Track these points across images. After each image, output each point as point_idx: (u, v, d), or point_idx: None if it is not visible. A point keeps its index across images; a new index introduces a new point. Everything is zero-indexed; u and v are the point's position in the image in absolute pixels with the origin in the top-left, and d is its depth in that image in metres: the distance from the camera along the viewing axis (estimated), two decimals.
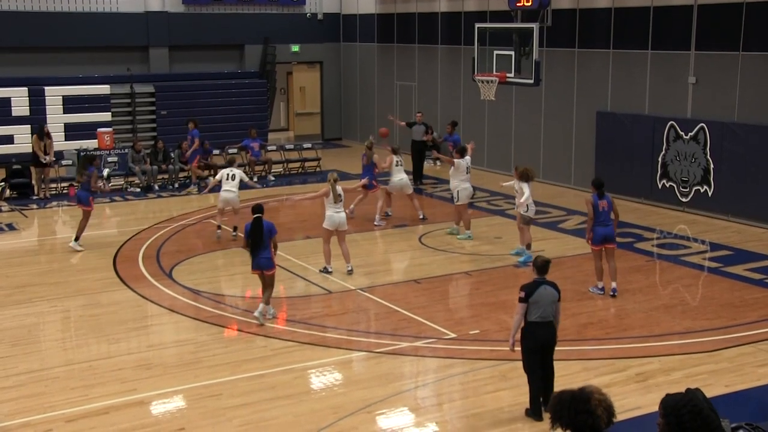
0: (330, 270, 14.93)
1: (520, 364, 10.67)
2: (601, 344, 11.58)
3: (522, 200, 15.36)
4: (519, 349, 9.44)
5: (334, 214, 14.69)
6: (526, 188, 15.34)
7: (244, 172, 23.98)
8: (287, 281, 14.54)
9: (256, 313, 12.29)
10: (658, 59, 19.79)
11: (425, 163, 25.96)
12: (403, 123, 24.45)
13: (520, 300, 9.26)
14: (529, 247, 15.64)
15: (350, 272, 14.85)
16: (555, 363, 9.53)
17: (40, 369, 10.85)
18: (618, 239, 16.86)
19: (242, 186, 17.40)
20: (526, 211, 15.49)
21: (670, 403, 4.97)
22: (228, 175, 17.17)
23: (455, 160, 17.17)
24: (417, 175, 23.07)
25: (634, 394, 9.91)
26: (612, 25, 20.78)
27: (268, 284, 12.45)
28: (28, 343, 11.72)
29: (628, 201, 20.28)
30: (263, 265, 12.31)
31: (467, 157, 17.39)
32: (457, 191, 17.12)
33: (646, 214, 19.19)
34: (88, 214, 16.79)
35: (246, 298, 13.71)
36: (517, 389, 10.05)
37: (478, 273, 14.90)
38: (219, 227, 17.28)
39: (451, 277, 14.69)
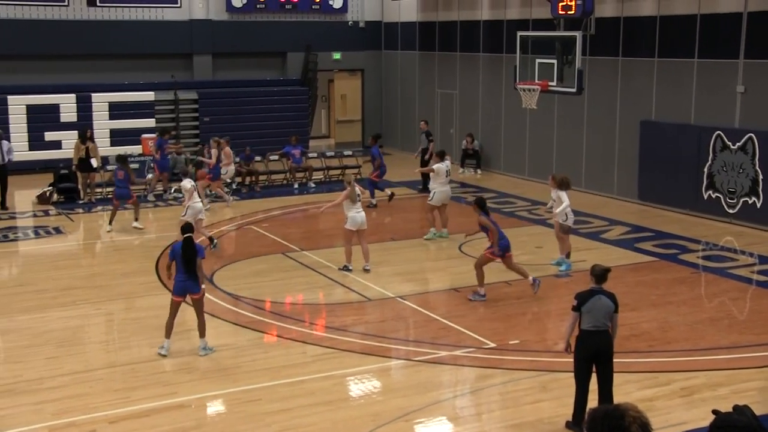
0: (350, 268, 15.27)
1: (561, 375, 10.61)
2: (643, 357, 11.42)
3: (560, 209, 15.26)
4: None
5: (356, 215, 15.11)
6: (564, 197, 15.25)
7: (285, 179, 24.25)
8: (326, 288, 14.56)
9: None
10: (705, 68, 19.54)
11: (467, 171, 25.93)
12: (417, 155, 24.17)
13: (573, 308, 9.16)
14: (568, 255, 15.54)
15: (368, 271, 15.18)
16: (595, 375, 9.41)
17: (84, 370, 10.97)
18: (662, 250, 16.75)
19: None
20: (565, 220, 15.39)
21: (726, 422, 4.82)
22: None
23: (434, 166, 17.72)
24: (425, 183, 22.82)
25: (678, 409, 9.76)
26: (657, 33, 20.57)
27: (197, 311, 11.54)
28: (72, 345, 11.86)
29: (672, 212, 20.07)
30: (190, 287, 11.34)
31: (446, 162, 17.87)
32: (433, 192, 17.61)
33: (690, 225, 18.94)
34: (136, 201, 18.76)
35: (286, 304, 13.74)
36: (557, 401, 9.96)
37: (518, 282, 14.79)
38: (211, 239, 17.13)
39: (492, 286, 14.60)
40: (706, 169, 19.41)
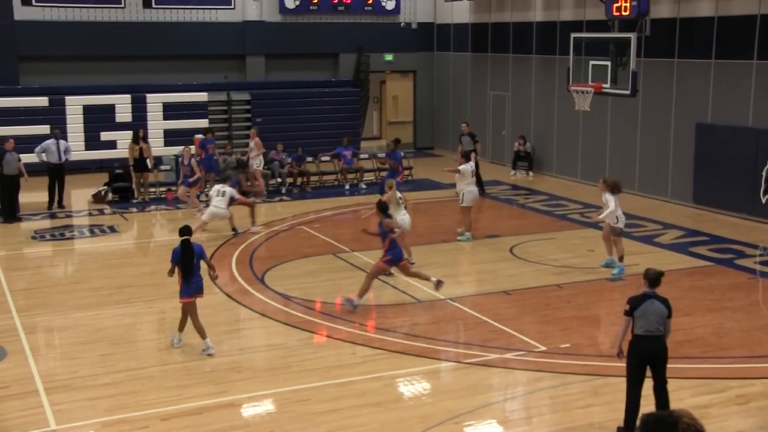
0: (392, 272, 15.33)
1: (612, 379, 10.51)
2: (698, 363, 11.26)
3: (606, 213, 15.20)
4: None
5: (405, 217, 15.45)
6: (612, 201, 15.16)
7: (336, 179, 24.34)
8: (376, 290, 14.57)
9: (209, 351, 11.59)
10: (764, 69, 19.18)
11: (518, 174, 25.81)
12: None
13: (625, 312, 9.07)
14: (621, 259, 15.40)
15: (412, 264, 15.36)
16: (648, 380, 9.29)
17: (137, 368, 11.13)
18: (717, 255, 16.48)
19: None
20: (616, 222, 15.28)
21: None
22: (219, 191, 18.13)
23: (460, 167, 17.63)
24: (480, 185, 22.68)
25: (734, 417, 9.60)
26: (714, 34, 20.25)
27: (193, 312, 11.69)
28: (126, 342, 12.03)
29: (727, 216, 19.76)
30: (197, 289, 11.57)
31: (471, 163, 17.84)
32: (462, 194, 17.50)
33: (747, 229, 18.62)
34: (251, 205, 18.99)
35: (336, 304, 13.80)
36: (608, 405, 9.86)
37: (569, 286, 14.69)
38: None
39: (542, 289, 14.51)
40: (764, 173, 19.06)
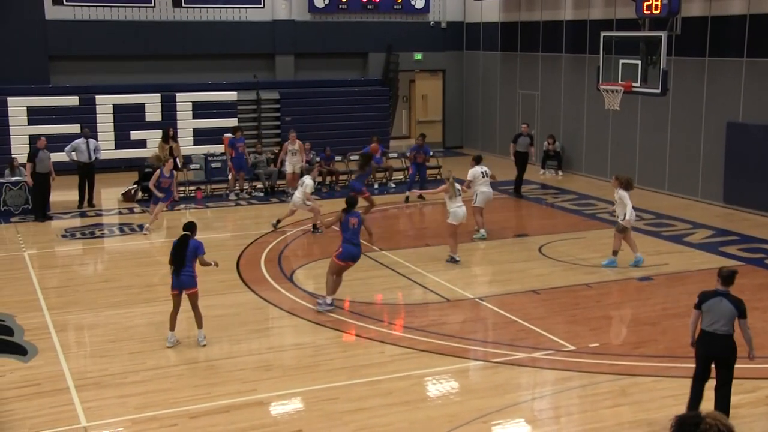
0: (458, 259, 15.80)
1: (641, 379, 10.50)
2: None
3: (628, 211, 15.37)
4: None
5: (458, 209, 15.83)
6: (626, 197, 15.36)
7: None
8: (405, 288, 14.62)
9: (202, 342, 11.91)
10: None
11: (548, 173, 25.74)
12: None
13: (695, 306, 9.27)
14: (615, 253, 15.68)
15: (458, 261, 15.87)
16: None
17: (166, 366, 11.25)
18: (748, 255, 16.36)
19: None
20: (623, 219, 15.44)
21: None
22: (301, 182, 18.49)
23: (469, 171, 17.84)
24: (518, 186, 22.66)
25: (764, 418, 9.57)
26: (746, 33, 20.08)
27: (192, 305, 11.93)
28: (155, 341, 12.15)
29: (758, 215, 19.60)
30: (185, 282, 11.76)
31: (482, 165, 17.97)
32: (476, 194, 17.80)
33: None
34: (369, 200, 19.29)
35: (365, 303, 13.83)
36: (637, 405, 9.84)
37: (598, 285, 14.65)
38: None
39: (571, 288, 14.48)
40: None
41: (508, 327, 12.66)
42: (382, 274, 15.35)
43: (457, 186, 16.11)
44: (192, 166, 23.52)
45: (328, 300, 13.35)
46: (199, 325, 12.03)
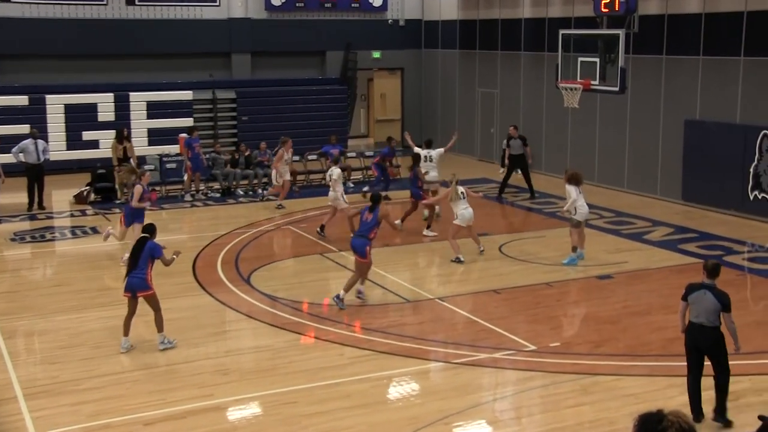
0: (462, 260, 15.89)
1: (602, 378, 10.55)
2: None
3: (568, 203, 15.61)
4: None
5: (464, 211, 16.06)
6: (573, 191, 15.53)
7: (323, 178, 24.25)
8: (365, 290, 14.56)
9: (160, 346, 11.79)
10: (752, 66, 19.25)
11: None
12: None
13: (682, 297, 9.51)
14: (574, 249, 15.78)
15: (482, 252, 16.38)
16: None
17: (120, 371, 11.07)
18: (706, 252, 16.53)
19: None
20: (573, 214, 15.61)
21: None
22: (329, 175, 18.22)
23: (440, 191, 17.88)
24: (502, 188, 22.62)
25: (744, 410, 9.60)
26: (702, 31, 20.30)
27: (153, 308, 11.81)
28: (109, 346, 11.95)
29: (717, 212, 19.83)
30: (135, 285, 11.63)
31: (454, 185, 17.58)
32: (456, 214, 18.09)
33: (737, 227, 18.67)
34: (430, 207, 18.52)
35: (324, 305, 13.76)
36: (599, 404, 9.87)
37: (559, 284, 14.70)
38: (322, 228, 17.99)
39: (532, 287, 14.52)
40: (752, 169, 19.13)
41: (469, 327, 12.65)
42: (341, 276, 15.26)
43: (460, 189, 16.14)
44: (146, 167, 23.19)
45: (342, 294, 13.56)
46: (159, 328, 11.84)
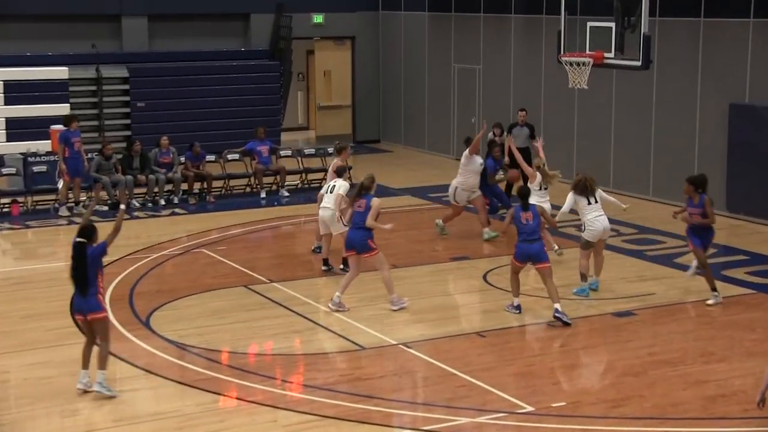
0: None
1: None
2: (737, 425, 11.39)
3: (560, 213, 16.41)
4: None
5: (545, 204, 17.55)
6: (567, 201, 16.11)
7: (248, 185, 24.25)
8: (305, 333, 14.57)
9: (95, 387, 12.05)
10: None
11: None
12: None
13: None
14: (583, 278, 16.00)
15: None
16: None
17: None
18: (759, 279, 16.71)
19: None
20: (582, 230, 16.01)
21: None
22: (329, 187, 17.43)
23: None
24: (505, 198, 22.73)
25: None
26: None
27: (100, 336, 12.13)
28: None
29: None
30: (89, 306, 11.95)
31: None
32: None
33: None
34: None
35: (250, 355, 13.76)
36: None
37: (563, 324, 14.81)
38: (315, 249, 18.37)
39: (528, 328, 14.61)
40: None
41: (445, 382, 12.70)
42: (273, 315, 15.27)
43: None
44: (5, 171, 22.99)
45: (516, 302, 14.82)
46: (101, 365, 12.02)
